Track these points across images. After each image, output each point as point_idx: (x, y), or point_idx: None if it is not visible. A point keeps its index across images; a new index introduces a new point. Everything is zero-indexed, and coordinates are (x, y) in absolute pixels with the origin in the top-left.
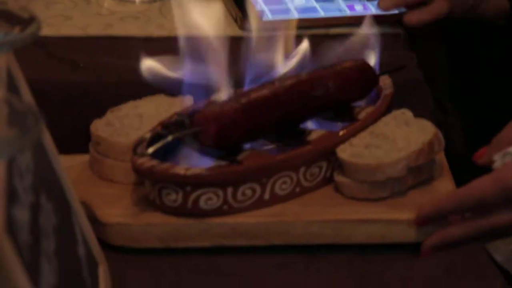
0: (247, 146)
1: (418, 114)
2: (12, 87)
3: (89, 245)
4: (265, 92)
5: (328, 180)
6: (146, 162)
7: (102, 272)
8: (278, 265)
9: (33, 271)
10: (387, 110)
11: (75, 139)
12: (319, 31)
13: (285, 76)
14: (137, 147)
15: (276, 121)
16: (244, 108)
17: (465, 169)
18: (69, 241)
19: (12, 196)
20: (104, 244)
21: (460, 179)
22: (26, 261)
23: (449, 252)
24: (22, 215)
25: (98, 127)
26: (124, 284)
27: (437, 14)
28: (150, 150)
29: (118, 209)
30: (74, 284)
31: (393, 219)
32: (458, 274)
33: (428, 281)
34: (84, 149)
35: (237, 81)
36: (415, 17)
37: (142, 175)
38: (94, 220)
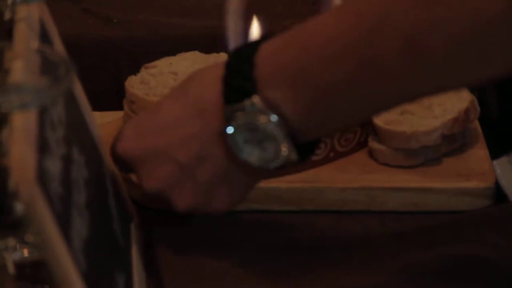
0: None
1: None
2: (44, 37)
3: (121, 200)
4: None
5: (362, 145)
6: None
7: (134, 228)
8: (309, 223)
9: (64, 223)
10: None
11: (109, 95)
12: None
13: None
14: None
15: None
16: None
17: (498, 134)
18: (100, 195)
19: (43, 147)
20: (136, 204)
21: (494, 145)
22: (57, 212)
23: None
24: (54, 166)
25: (133, 84)
26: (156, 240)
27: None
28: None
29: None
30: (105, 237)
31: (427, 187)
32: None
33: (460, 239)
34: (117, 105)
35: None
36: None
37: None
38: (128, 181)
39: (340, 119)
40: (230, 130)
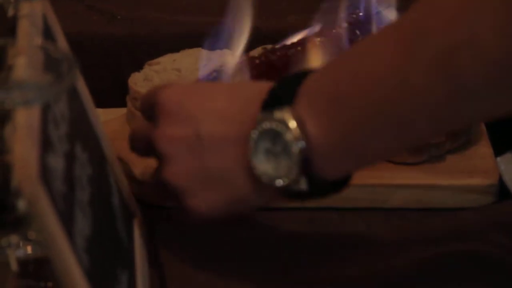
0: None
1: None
2: (47, 34)
3: (124, 197)
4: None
5: None
6: None
7: (137, 225)
8: (312, 220)
9: (67, 221)
10: None
11: (111, 92)
12: None
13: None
14: None
15: None
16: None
17: (502, 131)
18: (104, 192)
19: (46, 144)
20: (139, 201)
21: (497, 142)
22: (60, 210)
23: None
24: (57, 163)
25: (137, 81)
26: (159, 237)
27: None
28: None
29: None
30: (108, 235)
31: (430, 184)
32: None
33: (464, 236)
34: (120, 103)
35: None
36: None
37: None
38: (131, 177)
39: (368, 152)
40: (254, 133)
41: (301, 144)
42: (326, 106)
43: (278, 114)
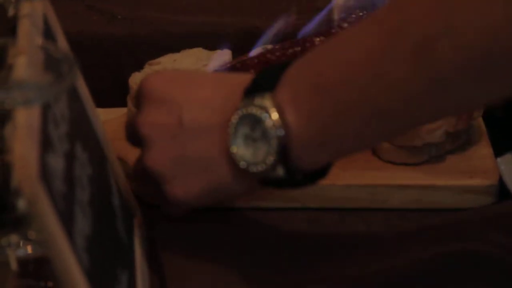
0: None
1: None
2: (48, 34)
3: (124, 197)
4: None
5: None
6: None
7: (137, 224)
8: (312, 221)
9: (66, 220)
10: None
11: (112, 91)
12: None
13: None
14: None
15: None
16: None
17: (502, 132)
18: (104, 192)
19: (46, 144)
20: (140, 200)
21: (497, 142)
22: (60, 210)
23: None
24: (57, 163)
25: (137, 81)
26: (159, 237)
27: None
28: None
29: None
30: (108, 234)
31: (430, 184)
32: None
33: (464, 236)
34: (120, 102)
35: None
36: None
37: None
38: (131, 177)
39: (347, 142)
40: (234, 118)
41: (280, 131)
42: (306, 94)
43: (258, 100)
